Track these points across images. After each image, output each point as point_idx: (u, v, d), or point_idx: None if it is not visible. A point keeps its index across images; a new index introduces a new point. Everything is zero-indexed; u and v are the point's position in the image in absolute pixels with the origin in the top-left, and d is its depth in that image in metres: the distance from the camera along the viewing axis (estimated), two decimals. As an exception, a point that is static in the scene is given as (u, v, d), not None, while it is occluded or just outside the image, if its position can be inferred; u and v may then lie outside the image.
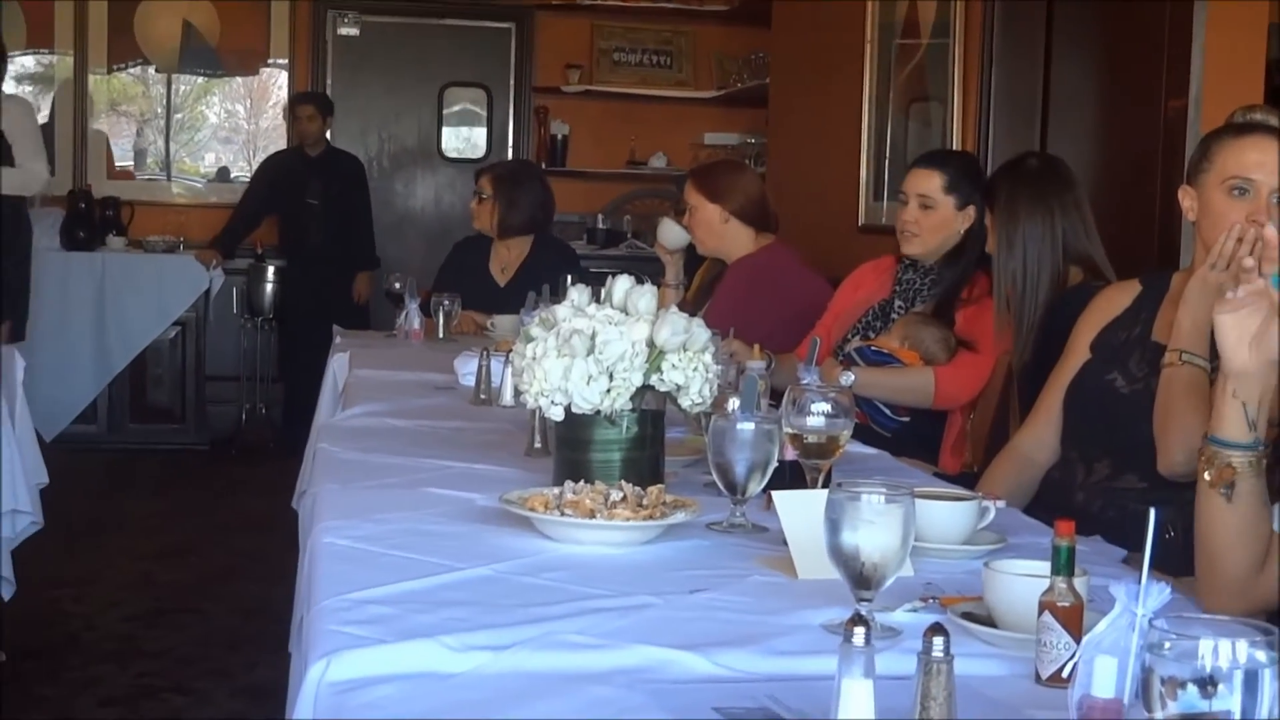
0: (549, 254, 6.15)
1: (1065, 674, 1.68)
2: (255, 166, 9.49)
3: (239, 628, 5.30)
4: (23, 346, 6.11)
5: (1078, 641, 1.67)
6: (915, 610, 1.99)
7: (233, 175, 9.75)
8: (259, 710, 4.44)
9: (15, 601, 4.79)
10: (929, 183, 4.27)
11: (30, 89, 9.44)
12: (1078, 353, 3.14)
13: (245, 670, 4.83)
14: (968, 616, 1.91)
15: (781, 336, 4.50)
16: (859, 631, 1.49)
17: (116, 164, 9.69)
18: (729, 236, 5.01)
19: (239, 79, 9.86)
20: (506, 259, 6.17)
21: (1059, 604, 1.73)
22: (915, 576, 2.12)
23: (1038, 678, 1.74)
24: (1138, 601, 1.49)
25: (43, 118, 9.14)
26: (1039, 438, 3.17)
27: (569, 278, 4.37)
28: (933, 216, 4.26)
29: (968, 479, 3.38)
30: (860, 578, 1.81)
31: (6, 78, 8.01)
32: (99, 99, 9.57)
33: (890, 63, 6.41)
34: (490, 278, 6.13)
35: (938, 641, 1.50)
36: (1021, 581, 1.87)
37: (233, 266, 8.96)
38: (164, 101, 9.78)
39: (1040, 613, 1.73)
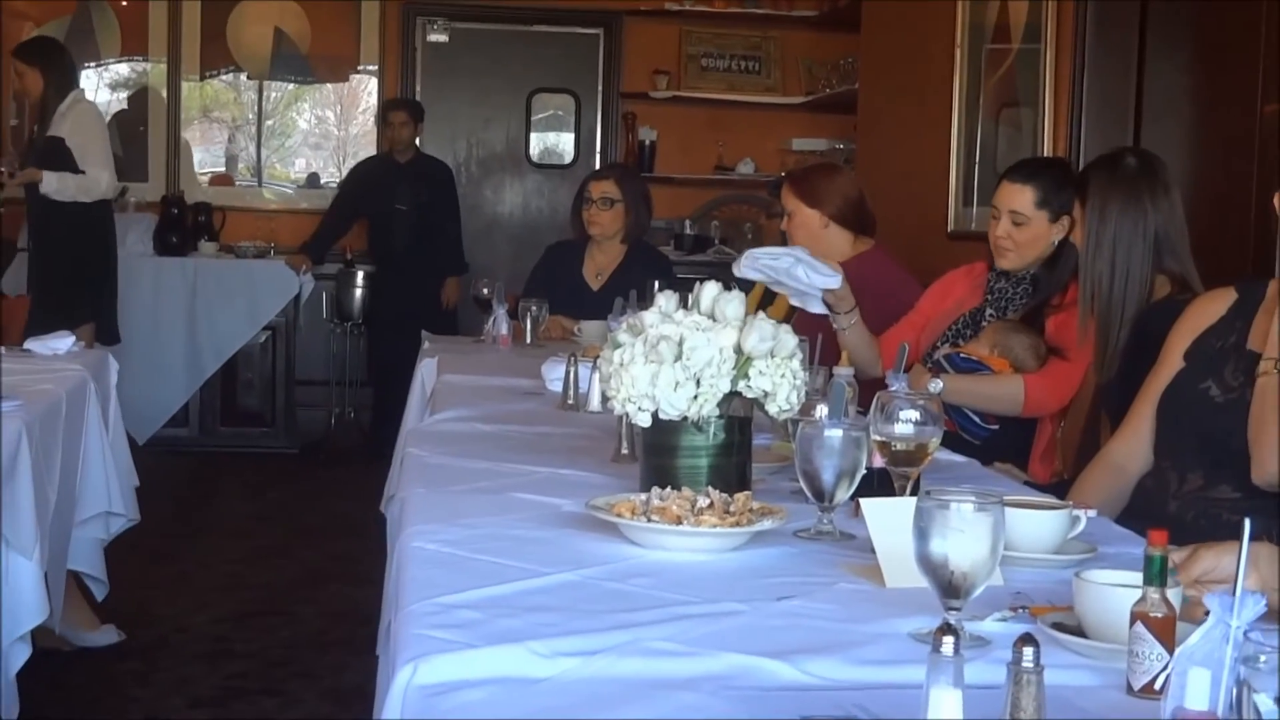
0: (643, 259, 6.15)
1: (1158, 686, 1.66)
2: (345, 172, 9.56)
3: (328, 630, 5.34)
4: (115, 350, 6.19)
5: (1171, 653, 1.65)
6: (1005, 619, 1.98)
7: (322, 181, 9.83)
8: (347, 712, 4.47)
9: (108, 602, 4.86)
10: (1020, 199, 4.21)
11: (124, 95, 9.57)
12: (1171, 361, 3.10)
13: (333, 673, 4.86)
14: (1058, 626, 1.89)
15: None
16: (948, 640, 1.48)
17: (209, 170, 9.79)
18: (828, 241, 4.99)
19: (329, 85, 9.94)
20: (602, 264, 6.17)
21: (1152, 614, 1.70)
22: (1005, 585, 2.10)
23: (1129, 689, 1.72)
24: (1232, 613, 1.47)
25: (138, 122, 9.28)
26: (1131, 447, 3.14)
27: (656, 284, 4.37)
28: (1025, 232, 4.21)
29: (1058, 488, 3.35)
30: (949, 586, 1.80)
31: (100, 84, 8.15)
32: (191, 105, 9.68)
33: (980, 67, 6.37)
34: (584, 282, 6.14)
35: (1028, 651, 1.49)
36: (1113, 592, 1.85)
37: (322, 272, 9.04)
38: (255, 108, 9.88)
39: (1132, 623, 1.71)
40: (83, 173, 7.35)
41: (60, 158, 7.33)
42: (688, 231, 9.61)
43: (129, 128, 9.55)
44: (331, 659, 4.99)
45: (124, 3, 9.49)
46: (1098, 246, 3.70)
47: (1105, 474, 3.17)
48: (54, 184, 7.30)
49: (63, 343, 4.79)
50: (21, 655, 3.65)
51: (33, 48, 7.70)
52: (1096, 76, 5.45)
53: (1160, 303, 3.64)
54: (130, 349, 7.85)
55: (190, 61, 9.56)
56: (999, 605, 2.01)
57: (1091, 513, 2.47)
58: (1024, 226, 4.20)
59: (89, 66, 9.47)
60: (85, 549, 4.53)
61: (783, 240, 5.94)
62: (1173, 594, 1.74)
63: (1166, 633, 1.69)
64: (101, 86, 9.57)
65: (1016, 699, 1.49)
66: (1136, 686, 1.71)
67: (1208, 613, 1.46)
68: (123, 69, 9.62)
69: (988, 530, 1.79)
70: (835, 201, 5.00)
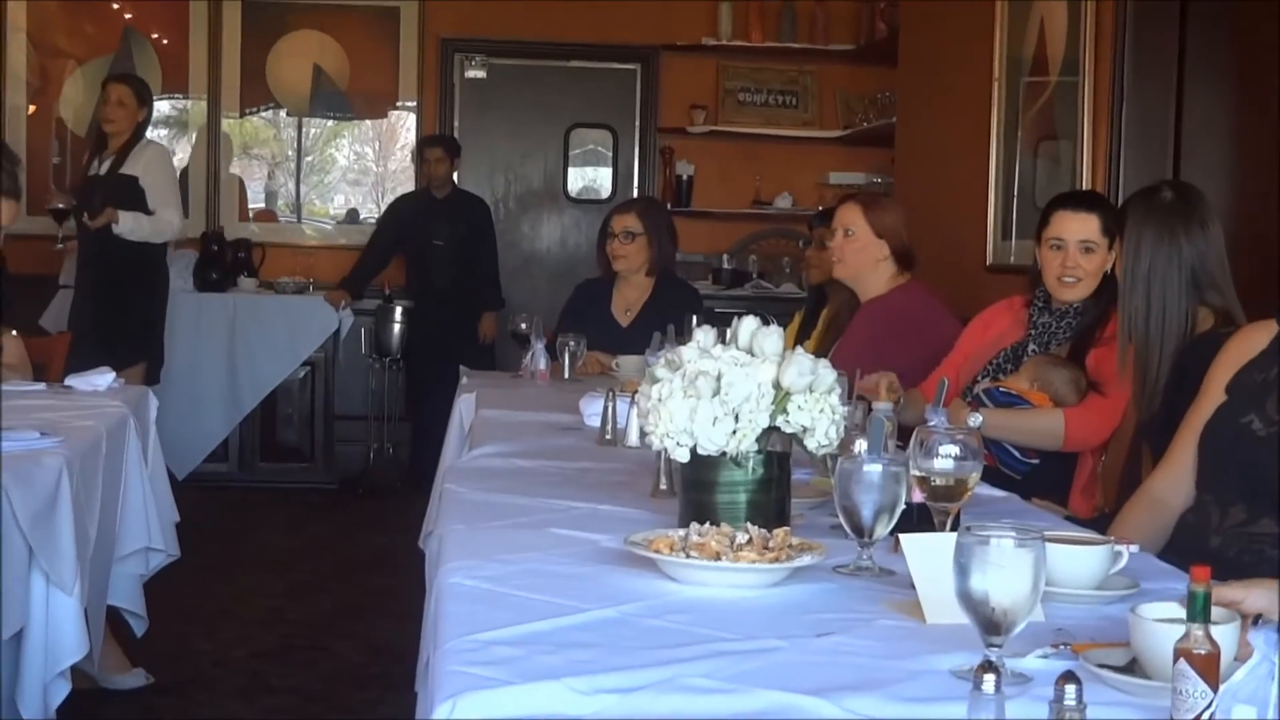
0: (672, 293, 6.15)
1: (1202, 724, 1.64)
2: (383, 208, 9.60)
3: (366, 666, 5.34)
4: (156, 386, 6.22)
5: (1215, 690, 1.64)
6: (1046, 656, 1.96)
7: (361, 217, 9.86)
8: (385, 749, 4.46)
9: (147, 637, 4.86)
10: (1088, 227, 4.18)
11: (165, 133, 9.63)
12: (1213, 395, 3.08)
13: (371, 708, 4.86)
14: (1101, 664, 1.88)
15: (913, 378, 4.47)
16: (989, 678, 1.47)
17: (248, 206, 9.85)
18: (877, 273, 4.99)
19: (368, 122, 9.99)
20: (630, 299, 6.17)
21: (1195, 651, 1.69)
22: (1046, 622, 2.09)
23: (1173, 727, 1.70)
24: (1276, 650, 1.46)
25: (178, 161, 9.33)
26: (1173, 481, 3.12)
27: (694, 318, 4.37)
28: (1095, 260, 4.18)
29: (1099, 522, 3.33)
30: (990, 623, 1.79)
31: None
32: (231, 142, 9.73)
33: (1019, 100, 6.36)
34: (613, 319, 6.14)
35: (1070, 690, 1.48)
36: (1168, 628, 1.83)
37: (361, 307, 9.07)
38: (294, 144, 9.93)
39: (1175, 660, 1.70)
40: (152, 213, 7.40)
41: (132, 196, 7.37)
42: (725, 266, 9.61)
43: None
44: (369, 695, 4.99)
45: (165, 41, 9.56)
46: (1133, 282, 3.69)
47: (1147, 509, 3.15)
48: (129, 224, 7.34)
49: (103, 379, 4.80)
50: (61, 692, 3.66)
51: (143, 85, 7.70)
52: (1135, 108, 5.44)
53: (1201, 336, 3.61)
54: (170, 385, 7.89)
55: (230, 98, 9.63)
56: (1040, 642, 1.99)
57: (1133, 548, 2.45)
58: (1094, 253, 4.18)
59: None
60: (125, 585, 4.55)
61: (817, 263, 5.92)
62: (1217, 631, 1.72)
63: (1210, 670, 1.67)
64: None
65: (1059, 737, 1.48)
66: (1180, 725, 1.69)
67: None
68: (163, 106, 9.68)
69: (1029, 566, 1.78)
70: (899, 238, 5.00)
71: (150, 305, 7.69)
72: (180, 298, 8.53)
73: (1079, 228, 4.20)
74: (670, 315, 5.17)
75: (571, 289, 6.60)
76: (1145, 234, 3.68)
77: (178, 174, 7.86)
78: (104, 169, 7.52)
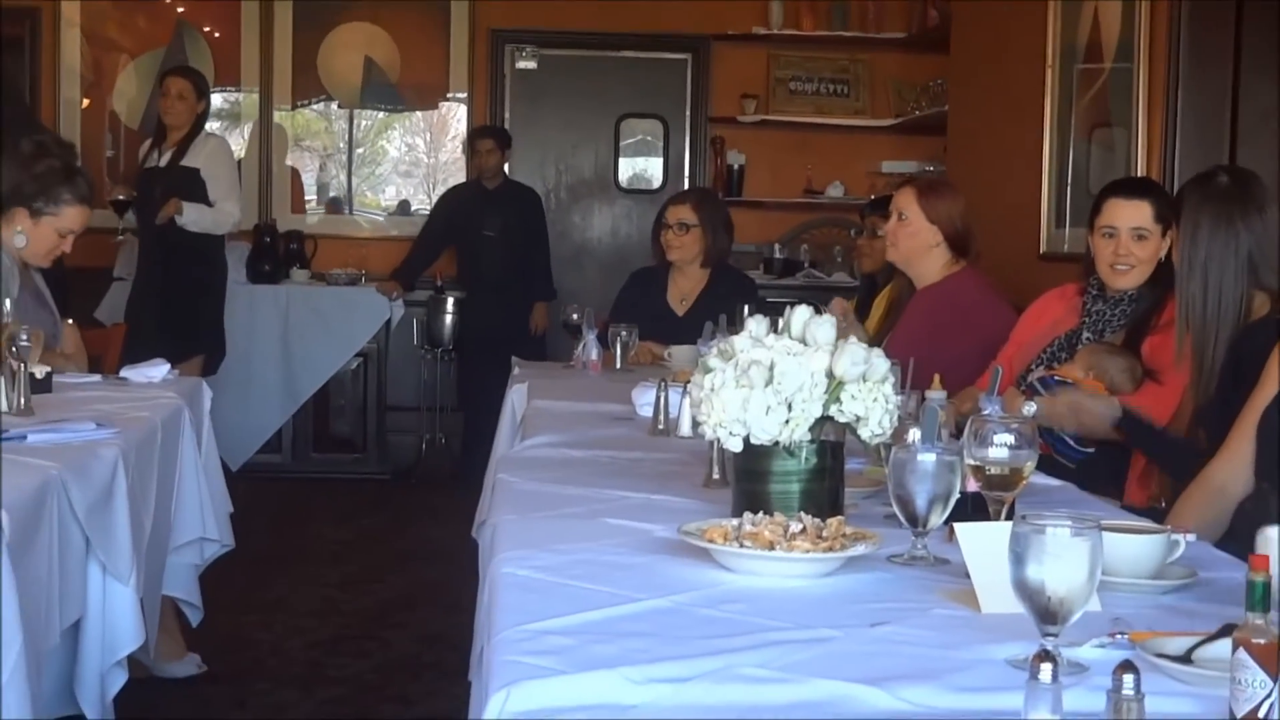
0: (727, 283, 6.14)
1: (1262, 714, 1.63)
2: (434, 200, 9.62)
3: (419, 655, 5.35)
4: (210, 378, 6.26)
5: (1275, 680, 1.62)
6: (1103, 646, 1.95)
7: (413, 208, 9.89)
8: (439, 738, 4.48)
9: (203, 627, 4.89)
10: (1141, 214, 4.16)
11: (217, 125, 9.67)
12: (1271, 381, 3.06)
13: (426, 698, 4.87)
14: (1159, 654, 1.86)
15: (967, 366, 4.44)
16: (1046, 667, 1.46)
17: (301, 198, 9.89)
18: (930, 259, 4.96)
19: (419, 113, 10.01)
20: (685, 289, 6.18)
21: (1255, 641, 1.67)
22: (1103, 611, 2.07)
23: (1232, 716, 1.68)
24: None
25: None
26: (1232, 469, 3.09)
27: (746, 308, 4.36)
28: (1148, 248, 4.15)
29: (1156, 512, 3.31)
30: (1046, 612, 1.77)
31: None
32: (283, 135, 9.77)
33: (1072, 87, 6.32)
34: (668, 308, 6.14)
35: (1128, 679, 1.47)
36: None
37: (413, 298, 9.09)
38: (346, 136, 9.97)
39: (1235, 649, 1.68)
40: (213, 205, 7.46)
41: (193, 188, 7.42)
42: (777, 255, 9.59)
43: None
44: (424, 685, 5.01)
45: (216, 34, 9.61)
46: (1190, 268, 3.66)
47: (1205, 497, 3.13)
48: (193, 215, 7.42)
49: (158, 370, 4.83)
50: (118, 681, 3.68)
51: (201, 78, 7.77)
52: (1191, 94, 5.39)
53: (1258, 322, 3.58)
54: (224, 376, 7.93)
55: (282, 91, 9.67)
56: (1097, 631, 1.98)
57: (1191, 537, 2.43)
58: (1147, 240, 4.15)
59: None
60: (180, 575, 4.57)
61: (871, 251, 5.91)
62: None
63: (1270, 659, 1.66)
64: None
65: (1117, 727, 1.46)
66: (1239, 714, 1.67)
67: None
68: (216, 99, 9.72)
69: (1085, 555, 1.77)
70: (954, 224, 4.97)
71: (209, 297, 7.75)
72: (234, 289, 8.57)
73: (1131, 215, 4.17)
74: (726, 305, 5.16)
75: (623, 279, 6.61)
76: (1202, 220, 3.65)
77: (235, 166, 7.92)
78: (164, 161, 7.58)
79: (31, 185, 4.82)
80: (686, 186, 9.55)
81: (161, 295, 7.52)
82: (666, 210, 6.26)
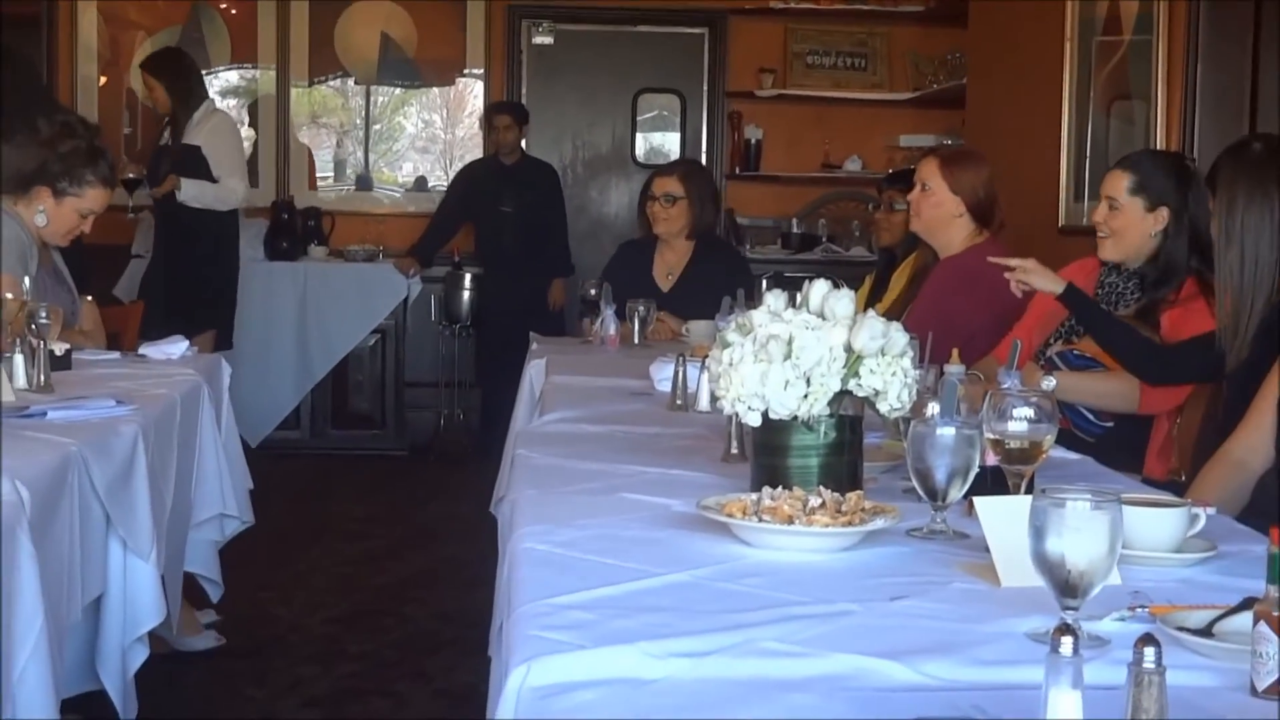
0: (714, 256, 6.12)
1: (1283, 686, 1.63)
2: (452, 176, 9.61)
3: (439, 631, 5.36)
4: (228, 355, 6.26)
5: (1296, 653, 1.62)
6: (1123, 619, 1.95)
7: (430, 185, 9.88)
8: (458, 713, 4.48)
9: (223, 603, 4.92)
10: (1116, 184, 4.18)
11: (234, 102, 9.69)
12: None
13: (445, 674, 4.88)
14: (1180, 627, 1.86)
15: (985, 338, 4.43)
16: (1067, 640, 1.46)
17: (317, 175, 9.89)
18: (953, 229, 4.94)
19: (435, 89, 10.00)
20: (672, 262, 6.15)
21: (1275, 613, 1.67)
22: (1123, 585, 2.07)
23: (1253, 690, 1.68)
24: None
25: (247, 132, 9.39)
26: (1252, 443, 3.08)
27: (763, 282, 4.35)
28: (1118, 218, 4.16)
29: (1175, 485, 3.30)
30: (1066, 585, 1.77)
31: (211, 91, 8.26)
32: (300, 111, 9.77)
33: (1091, 60, 6.29)
34: (654, 282, 6.10)
35: (1149, 652, 1.46)
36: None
37: (430, 274, 9.09)
38: (363, 113, 9.96)
39: (1255, 622, 1.68)
40: (217, 181, 7.48)
41: (196, 166, 7.44)
42: (794, 230, 9.57)
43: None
44: (443, 660, 5.02)
45: (233, 11, 9.60)
46: (1228, 238, 3.63)
47: (1226, 470, 3.12)
48: (192, 191, 7.44)
49: (176, 347, 4.84)
50: (140, 656, 3.70)
51: (158, 61, 7.81)
52: (1210, 67, 5.37)
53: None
54: (242, 353, 7.94)
55: (299, 67, 9.66)
56: (1117, 605, 1.98)
57: (1211, 510, 2.42)
58: (1116, 212, 4.16)
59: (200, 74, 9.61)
60: (201, 551, 4.59)
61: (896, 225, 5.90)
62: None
63: (1291, 632, 1.66)
64: (212, 93, 9.68)
65: (1138, 700, 1.46)
66: (1261, 687, 1.67)
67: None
68: (232, 76, 9.74)
69: (1105, 528, 1.76)
70: (977, 194, 4.94)
71: (218, 271, 7.76)
72: (251, 267, 8.59)
73: (1109, 184, 4.22)
74: (713, 279, 5.14)
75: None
76: (1238, 189, 3.63)
77: (245, 143, 7.90)
78: (170, 139, 7.64)
79: (56, 165, 4.83)
80: (705, 161, 9.52)
81: (168, 271, 7.56)
82: (653, 182, 6.23)
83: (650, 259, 6.19)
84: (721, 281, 4.84)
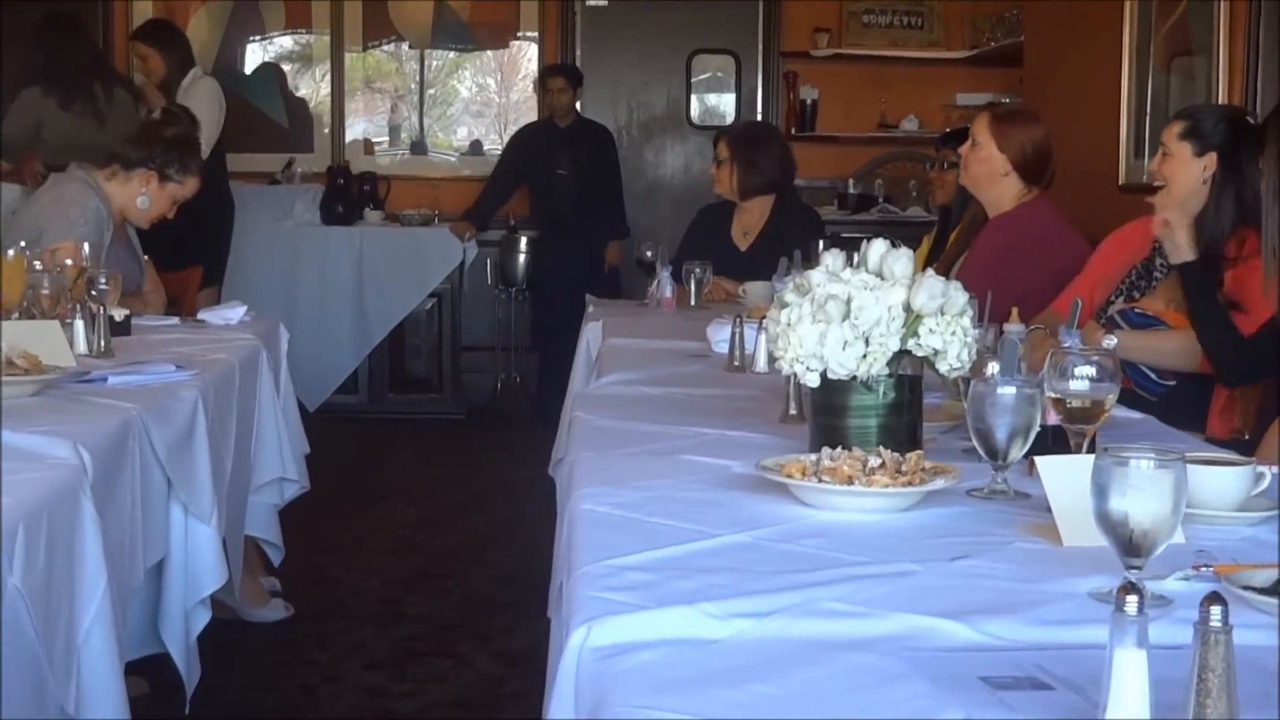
0: (791, 217, 6.13)
1: (1351, 646, 1.61)
2: (506, 139, 9.61)
3: (498, 593, 5.38)
4: (285, 319, 6.27)
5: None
6: (1188, 579, 1.93)
7: (485, 148, 9.88)
8: (518, 674, 4.50)
9: (284, 566, 4.95)
10: (1170, 131, 4.16)
11: (289, 68, 9.71)
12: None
13: (504, 635, 4.90)
14: (1245, 586, 1.84)
15: (1037, 297, 4.40)
16: (1132, 600, 1.44)
17: (373, 140, 9.90)
18: (1000, 186, 4.91)
19: (489, 53, 10.00)
20: (748, 223, 6.18)
21: (1342, 573, 1.65)
22: (1186, 544, 2.05)
23: (1320, 649, 1.67)
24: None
25: (304, 94, 9.43)
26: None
27: (820, 242, 4.33)
28: (1169, 165, 4.13)
29: (1240, 445, 3.27)
30: (1129, 545, 1.76)
31: (265, 56, 8.26)
32: (354, 76, 9.79)
33: (1151, 16, 6.22)
34: (732, 243, 6.14)
35: (1216, 611, 1.44)
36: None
37: (486, 238, 9.10)
38: (417, 77, 9.97)
39: (1322, 582, 1.66)
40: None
41: None
42: (851, 190, 9.53)
43: (295, 100, 9.71)
44: (502, 622, 5.03)
45: (287, -24, 9.62)
46: (1275, 196, 3.60)
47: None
48: None
49: (235, 312, 4.87)
50: (202, 619, 3.73)
51: (150, 30, 7.88)
52: (1273, 21, 5.29)
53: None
54: (300, 318, 7.98)
55: (353, 32, 9.67)
56: (1181, 564, 1.96)
57: (1276, 469, 2.40)
58: (1168, 158, 4.12)
59: (254, 40, 9.63)
60: (261, 515, 4.61)
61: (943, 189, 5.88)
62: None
63: (1360, 591, 1.64)
64: (267, 59, 9.72)
65: (1204, 659, 1.44)
66: (1328, 647, 1.66)
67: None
68: (287, 41, 9.76)
69: (1169, 487, 1.75)
70: (1025, 150, 4.90)
71: (207, 210, 7.68)
72: (307, 231, 8.63)
73: (1164, 135, 4.17)
74: (789, 239, 5.16)
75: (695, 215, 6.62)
76: None
77: (222, 108, 7.80)
78: None
79: (164, 152, 4.91)
80: (760, 121, 9.48)
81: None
82: (716, 145, 6.32)
83: (728, 221, 6.23)
84: (797, 241, 4.85)
